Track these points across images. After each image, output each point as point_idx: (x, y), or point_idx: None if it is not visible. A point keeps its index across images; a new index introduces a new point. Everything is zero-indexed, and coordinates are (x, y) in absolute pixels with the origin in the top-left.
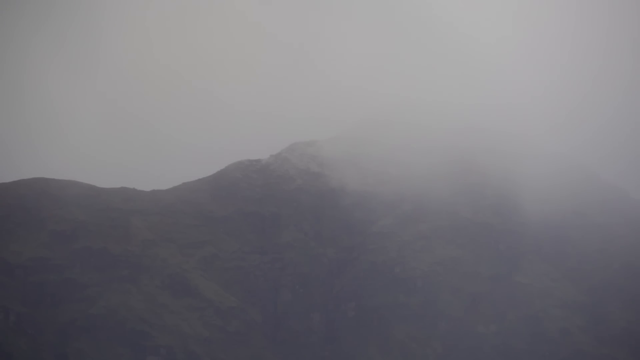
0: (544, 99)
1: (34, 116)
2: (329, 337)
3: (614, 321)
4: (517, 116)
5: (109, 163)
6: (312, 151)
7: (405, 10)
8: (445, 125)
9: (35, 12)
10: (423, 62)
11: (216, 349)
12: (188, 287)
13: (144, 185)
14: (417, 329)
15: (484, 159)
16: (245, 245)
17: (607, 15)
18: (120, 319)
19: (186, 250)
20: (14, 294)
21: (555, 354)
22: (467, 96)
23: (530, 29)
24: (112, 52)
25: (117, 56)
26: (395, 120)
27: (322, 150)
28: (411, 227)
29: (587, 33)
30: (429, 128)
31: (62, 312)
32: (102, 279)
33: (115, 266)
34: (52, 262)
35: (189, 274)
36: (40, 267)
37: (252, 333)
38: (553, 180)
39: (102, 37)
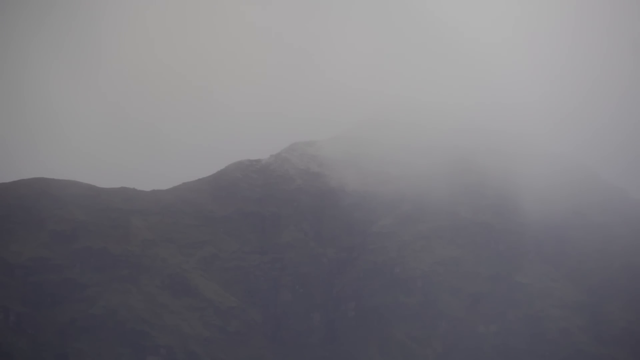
0: (544, 99)
1: (34, 116)
2: (329, 337)
3: (614, 321)
4: (517, 116)
5: (109, 163)
6: (312, 151)
7: (406, 11)
8: (445, 125)
9: (35, 12)
10: (423, 62)
11: (216, 349)
12: (188, 287)
13: (144, 185)
14: (417, 329)
15: (483, 159)
16: (245, 245)
17: (607, 15)
18: (120, 319)
19: (186, 250)
20: (14, 294)
21: (555, 354)
22: (467, 96)
23: (530, 29)
24: (112, 52)
25: (117, 56)
26: (395, 120)
27: (322, 150)
28: (411, 227)
29: (587, 33)
30: (429, 128)
31: (62, 312)
32: (102, 279)
33: (115, 266)
34: (52, 262)
35: (189, 274)
36: (40, 267)
37: (252, 333)
38: (553, 180)
39: (102, 37)
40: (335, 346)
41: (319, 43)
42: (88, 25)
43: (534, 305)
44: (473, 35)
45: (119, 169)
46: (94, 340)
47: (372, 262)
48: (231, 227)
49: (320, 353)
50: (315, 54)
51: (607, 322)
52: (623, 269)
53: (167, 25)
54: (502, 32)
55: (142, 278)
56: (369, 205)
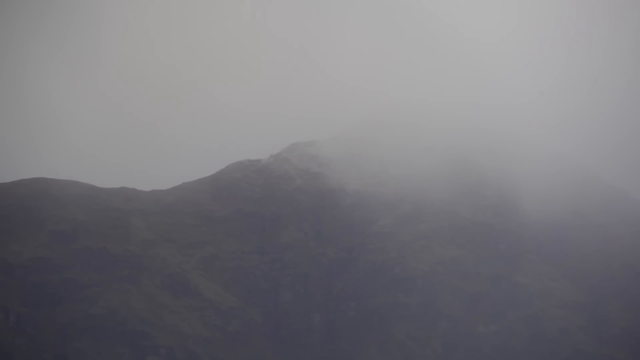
0: (544, 99)
1: (34, 116)
2: (329, 337)
3: (614, 321)
4: (517, 116)
5: (109, 163)
6: (312, 151)
7: (406, 11)
8: (445, 125)
9: (35, 12)
10: (423, 62)
11: (216, 349)
12: (188, 287)
13: (144, 185)
14: (417, 329)
15: (483, 159)
16: (245, 245)
17: (607, 15)
18: (120, 319)
19: (186, 250)
20: (14, 294)
21: (555, 354)
22: (466, 96)
23: (531, 30)
24: (112, 52)
25: (117, 56)
26: (395, 120)
27: (322, 151)
28: (411, 227)
29: (588, 33)
30: (429, 128)
31: (62, 312)
32: (102, 279)
33: (115, 266)
34: (52, 262)
35: (189, 274)
36: (40, 267)
37: (252, 333)
38: (553, 181)
39: (102, 37)
40: (335, 346)
41: (319, 43)
42: (88, 25)
43: (534, 305)
44: (473, 35)
45: (119, 169)
46: (94, 340)
47: (372, 262)
48: (231, 227)
49: (320, 353)
50: (315, 54)
51: (607, 322)
52: (623, 269)
53: (167, 25)
54: (502, 31)
55: (142, 278)
56: (369, 205)
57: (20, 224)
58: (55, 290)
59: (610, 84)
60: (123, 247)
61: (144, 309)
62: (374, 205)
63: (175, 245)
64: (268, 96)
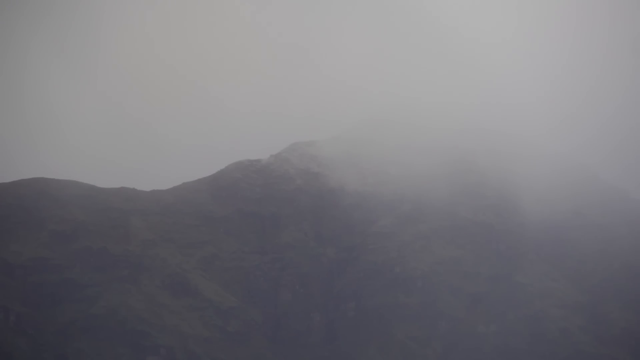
0: (544, 99)
1: (34, 116)
2: (329, 337)
3: (614, 321)
4: (517, 116)
5: (109, 163)
6: (312, 151)
7: (406, 11)
8: (445, 125)
9: (35, 12)
10: (423, 63)
11: (216, 349)
12: (188, 287)
13: (144, 185)
14: (417, 329)
15: (483, 159)
16: (245, 245)
17: (607, 15)
18: (120, 319)
19: (186, 250)
20: (14, 294)
21: (555, 354)
22: (466, 96)
23: (531, 30)
24: (112, 52)
25: (117, 56)
26: (395, 120)
27: (322, 151)
28: (411, 227)
29: (587, 33)
30: (429, 128)
31: (62, 312)
32: (102, 279)
33: (115, 266)
34: (52, 262)
35: (189, 274)
36: (40, 267)
37: (252, 333)
38: (553, 181)
39: (102, 38)
40: (335, 346)
41: (319, 43)
42: (88, 25)
43: (534, 305)
44: (473, 36)
45: (119, 169)
46: (94, 340)
47: (372, 262)
48: (231, 227)
49: (320, 353)
50: (315, 54)
51: (607, 322)
52: (623, 269)
53: (167, 25)
54: (502, 32)
55: (142, 278)
56: (369, 206)
57: (20, 224)
58: (55, 290)
59: (610, 84)
60: (123, 247)
61: (144, 309)
62: (374, 205)
63: (175, 245)
64: (268, 96)
